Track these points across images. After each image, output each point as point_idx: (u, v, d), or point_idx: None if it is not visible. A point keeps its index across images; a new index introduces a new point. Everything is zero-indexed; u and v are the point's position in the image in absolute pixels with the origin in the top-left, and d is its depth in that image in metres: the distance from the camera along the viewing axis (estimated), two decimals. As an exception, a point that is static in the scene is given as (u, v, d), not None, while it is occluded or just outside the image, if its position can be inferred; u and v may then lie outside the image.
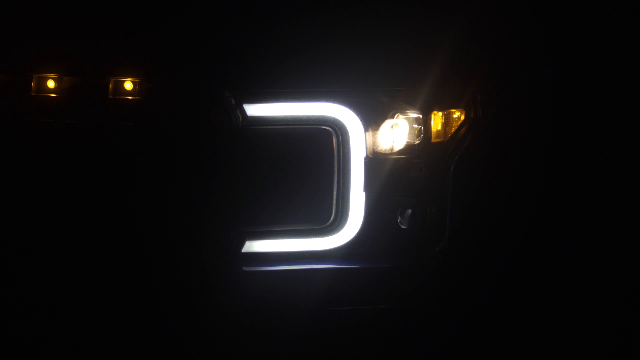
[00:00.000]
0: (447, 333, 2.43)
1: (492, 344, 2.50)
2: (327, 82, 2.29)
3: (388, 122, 2.32)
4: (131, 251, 2.27)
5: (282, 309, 2.30)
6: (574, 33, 2.51)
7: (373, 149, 2.32)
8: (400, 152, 2.33)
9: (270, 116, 2.26)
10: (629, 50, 2.54)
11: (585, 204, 2.52)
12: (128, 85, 2.22)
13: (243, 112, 2.25)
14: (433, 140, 2.34)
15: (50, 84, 2.21)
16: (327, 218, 2.33)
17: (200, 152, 2.26)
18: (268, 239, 2.32)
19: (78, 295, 2.25)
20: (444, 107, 2.35)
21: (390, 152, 2.32)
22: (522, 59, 2.43)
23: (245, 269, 2.29)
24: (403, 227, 2.35)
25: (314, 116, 2.28)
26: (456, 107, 2.36)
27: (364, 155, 2.31)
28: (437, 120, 2.35)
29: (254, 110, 2.26)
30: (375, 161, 2.32)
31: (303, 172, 2.30)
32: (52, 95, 2.22)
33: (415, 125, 2.32)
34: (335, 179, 2.31)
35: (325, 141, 2.29)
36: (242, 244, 2.30)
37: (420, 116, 2.32)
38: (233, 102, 2.24)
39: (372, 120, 2.31)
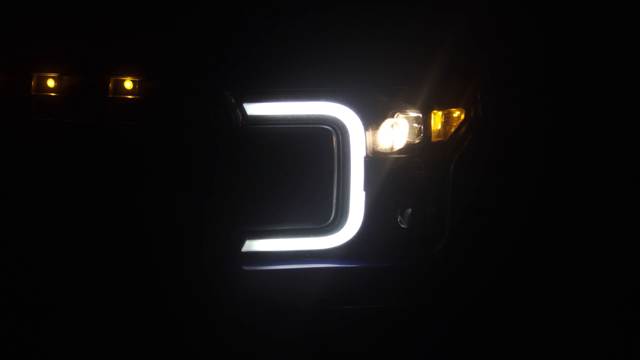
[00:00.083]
0: (447, 332, 2.43)
1: (492, 342, 2.50)
2: (327, 81, 2.29)
3: (388, 122, 2.32)
4: (131, 250, 2.26)
5: (282, 308, 2.29)
6: (574, 33, 2.51)
7: (373, 148, 2.32)
8: (400, 151, 2.33)
9: (270, 115, 2.27)
10: (629, 50, 2.54)
11: (584, 203, 2.52)
12: (128, 84, 2.22)
13: (243, 111, 2.25)
14: (433, 139, 2.34)
15: (50, 83, 2.21)
16: (327, 217, 2.33)
17: (200, 152, 2.26)
18: (268, 238, 2.32)
19: (78, 295, 2.25)
20: (444, 106, 2.35)
21: (390, 151, 2.32)
22: (522, 58, 2.44)
23: (245, 268, 2.29)
24: (403, 226, 2.35)
25: (314, 115, 2.28)
26: (456, 107, 2.36)
27: (364, 154, 2.31)
28: (437, 120, 2.35)
29: (254, 109, 2.26)
30: (375, 160, 2.32)
31: (303, 171, 2.30)
32: (52, 94, 2.22)
33: (415, 125, 2.32)
34: (335, 178, 2.31)
35: (325, 140, 2.29)
36: (242, 243, 2.30)
37: (420, 115, 2.32)
38: (233, 101, 2.24)
39: (372, 119, 2.31)
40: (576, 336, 2.59)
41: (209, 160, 2.26)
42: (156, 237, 2.28)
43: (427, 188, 2.34)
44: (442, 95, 2.34)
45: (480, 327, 2.47)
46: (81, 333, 2.28)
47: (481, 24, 2.41)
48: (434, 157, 2.34)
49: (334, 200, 2.32)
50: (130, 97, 2.23)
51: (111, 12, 2.28)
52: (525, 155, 2.40)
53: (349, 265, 2.33)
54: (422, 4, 2.39)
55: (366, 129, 2.30)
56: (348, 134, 2.29)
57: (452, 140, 2.35)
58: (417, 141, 2.33)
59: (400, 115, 2.32)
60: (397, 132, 2.32)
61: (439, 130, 2.35)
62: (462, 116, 2.35)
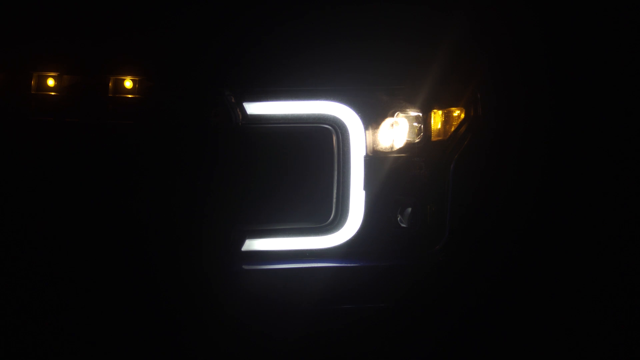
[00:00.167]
0: (447, 331, 2.43)
1: (492, 342, 2.50)
2: (327, 80, 2.29)
3: (388, 121, 2.32)
4: (131, 249, 2.26)
5: (282, 307, 2.29)
6: (574, 32, 2.51)
7: (373, 148, 2.32)
8: (400, 150, 2.33)
9: (270, 114, 2.27)
10: (629, 50, 2.54)
11: (584, 203, 2.52)
12: (128, 83, 2.22)
13: (243, 110, 2.25)
14: (433, 138, 2.34)
15: (50, 82, 2.21)
16: (327, 216, 2.33)
17: (200, 151, 2.26)
18: (268, 237, 2.31)
19: (78, 295, 2.25)
20: (444, 105, 2.35)
21: (390, 150, 2.32)
22: (522, 58, 2.44)
23: (245, 267, 2.29)
24: (403, 225, 2.35)
25: (314, 114, 2.28)
26: (456, 106, 2.36)
27: (364, 153, 2.31)
28: (437, 119, 2.35)
29: (254, 108, 2.26)
30: (375, 159, 2.32)
31: (303, 170, 2.30)
32: (52, 93, 2.22)
33: (415, 124, 2.32)
34: (335, 178, 2.31)
35: (325, 139, 2.29)
36: (242, 243, 2.30)
37: (420, 115, 2.32)
38: (233, 100, 2.24)
39: (372, 118, 2.31)
40: (576, 336, 2.58)
41: (209, 160, 2.26)
42: (156, 237, 2.28)
43: (427, 187, 2.34)
44: (442, 94, 2.34)
45: (480, 326, 2.47)
46: (82, 333, 2.28)
47: (481, 24, 2.41)
48: (434, 157, 2.34)
49: (334, 200, 2.32)
50: (130, 96, 2.23)
51: (111, 11, 2.28)
52: (525, 154, 2.41)
53: (349, 265, 2.33)
54: (422, 4, 2.39)
55: (366, 128, 2.30)
56: (348, 133, 2.29)
57: (452, 140, 2.35)
58: (417, 140, 2.33)
59: (400, 115, 2.32)
60: (397, 132, 2.32)
61: (439, 129, 2.36)
62: (462, 115, 2.35)
